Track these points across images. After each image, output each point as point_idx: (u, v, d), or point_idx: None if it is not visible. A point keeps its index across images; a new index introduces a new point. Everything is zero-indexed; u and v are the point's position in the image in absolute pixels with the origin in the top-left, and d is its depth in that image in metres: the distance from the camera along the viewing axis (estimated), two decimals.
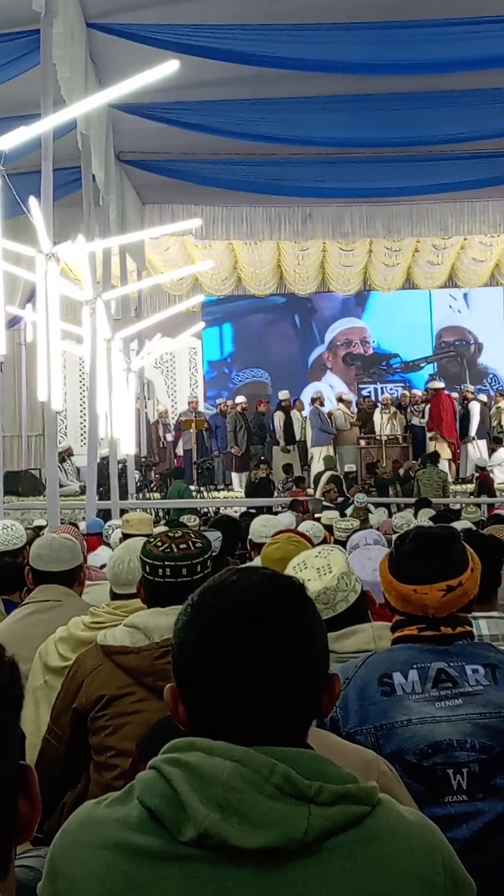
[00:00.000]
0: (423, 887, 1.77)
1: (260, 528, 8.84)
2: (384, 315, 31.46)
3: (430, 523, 8.94)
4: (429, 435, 26.80)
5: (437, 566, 3.25)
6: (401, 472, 23.91)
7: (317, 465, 26.38)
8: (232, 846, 1.70)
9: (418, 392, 28.48)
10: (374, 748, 2.93)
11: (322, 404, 27.58)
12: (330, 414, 27.24)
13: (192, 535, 3.87)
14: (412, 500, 19.72)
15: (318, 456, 26.70)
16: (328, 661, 1.93)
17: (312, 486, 24.49)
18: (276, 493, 23.02)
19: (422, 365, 31.49)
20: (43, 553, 5.40)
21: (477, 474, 24.09)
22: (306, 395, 29.23)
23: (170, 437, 28.10)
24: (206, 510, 21.07)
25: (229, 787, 1.73)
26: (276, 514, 16.71)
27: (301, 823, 1.72)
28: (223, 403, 28.36)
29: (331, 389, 30.09)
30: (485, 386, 30.70)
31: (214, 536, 7.71)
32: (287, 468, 25.38)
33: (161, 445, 27.98)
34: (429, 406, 27.27)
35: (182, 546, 3.79)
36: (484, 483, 23.16)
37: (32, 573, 5.45)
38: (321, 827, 1.73)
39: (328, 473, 23.95)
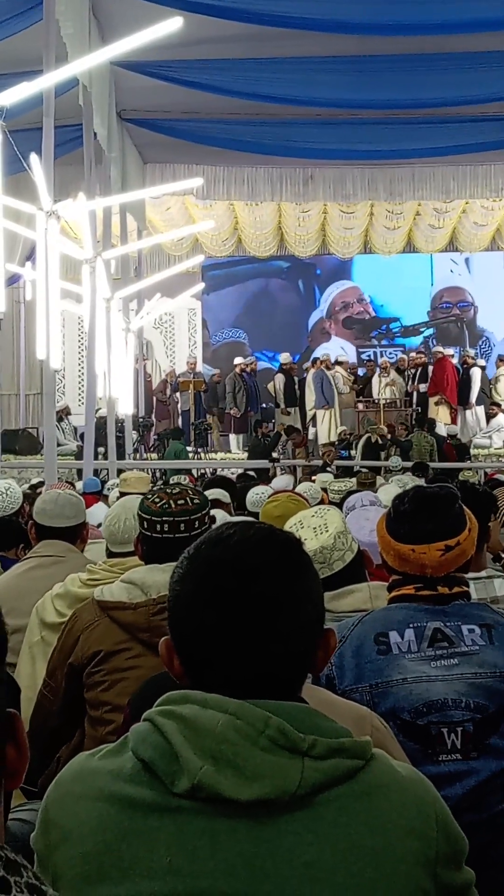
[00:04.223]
0: (415, 841, 1.78)
1: (257, 499, 8.97)
2: (387, 278, 31.35)
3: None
4: (433, 399, 26.80)
5: (435, 526, 3.25)
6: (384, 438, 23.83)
7: (321, 427, 26.45)
8: (225, 798, 1.71)
9: (416, 355, 28.46)
10: (369, 706, 2.94)
11: (328, 367, 27.59)
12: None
13: (190, 492, 3.87)
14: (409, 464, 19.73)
15: (322, 418, 26.74)
16: (324, 615, 1.94)
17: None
18: (278, 454, 22.99)
19: (422, 330, 31.45)
20: (48, 508, 5.39)
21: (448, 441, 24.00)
22: (307, 359, 29.30)
23: (175, 398, 28.09)
24: (203, 471, 21.07)
25: (223, 739, 1.73)
26: (271, 477, 16.72)
27: (294, 776, 1.72)
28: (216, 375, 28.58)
29: (343, 352, 30.01)
30: (478, 349, 30.65)
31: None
32: (290, 430, 25.39)
33: (166, 405, 27.99)
34: (431, 370, 27.29)
35: (180, 502, 3.79)
36: (442, 452, 23.04)
37: (36, 528, 5.44)
38: (315, 780, 1.73)
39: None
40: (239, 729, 1.73)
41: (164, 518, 3.76)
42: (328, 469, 18.94)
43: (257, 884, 1.69)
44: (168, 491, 3.88)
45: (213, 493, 9.16)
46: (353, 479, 13.28)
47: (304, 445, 23.74)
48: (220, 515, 9.22)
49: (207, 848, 1.71)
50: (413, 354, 28.60)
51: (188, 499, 3.81)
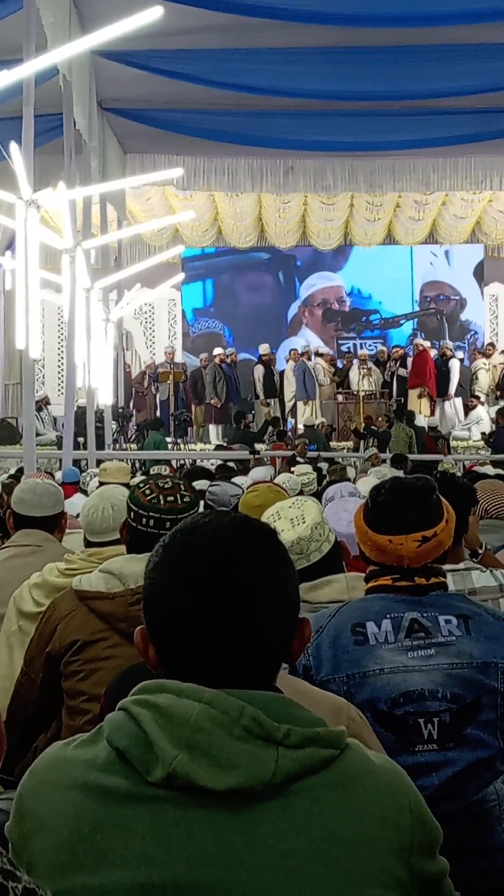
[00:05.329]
0: (390, 830, 1.78)
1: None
2: (371, 271, 31.34)
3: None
4: (415, 391, 26.86)
5: (412, 517, 3.25)
6: (362, 428, 23.85)
7: (301, 419, 26.49)
8: (200, 787, 1.71)
9: (396, 349, 28.60)
10: (346, 697, 2.95)
11: (309, 358, 27.64)
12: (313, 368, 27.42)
13: (182, 488, 3.80)
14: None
15: (303, 410, 26.77)
16: (298, 604, 1.93)
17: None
18: (264, 446, 23.01)
19: (401, 322, 31.47)
20: (26, 497, 5.37)
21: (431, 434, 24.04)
22: (284, 350, 29.30)
23: (154, 390, 28.06)
24: (182, 462, 21.06)
25: (198, 728, 1.73)
26: (250, 468, 16.72)
27: (269, 765, 1.72)
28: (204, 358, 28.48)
29: (311, 344, 30.01)
30: (464, 343, 30.71)
31: (234, 492, 7.68)
32: (275, 422, 25.44)
33: (144, 395, 27.98)
34: (411, 362, 27.36)
35: (170, 499, 3.73)
36: (424, 445, 23.09)
37: (14, 517, 5.42)
38: (289, 769, 1.73)
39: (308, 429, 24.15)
40: (214, 718, 1.73)
41: (150, 513, 3.73)
42: (299, 461, 18.96)
43: (232, 873, 1.69)
44: (160, 484, 3.81)
45: (199, 484, 9.14)
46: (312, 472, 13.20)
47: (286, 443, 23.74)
48: (262, 472, 9.25)
49: (182, 837, 1.71)
50: (394, 348, 28.73)
51: (178, 496, 3.76)
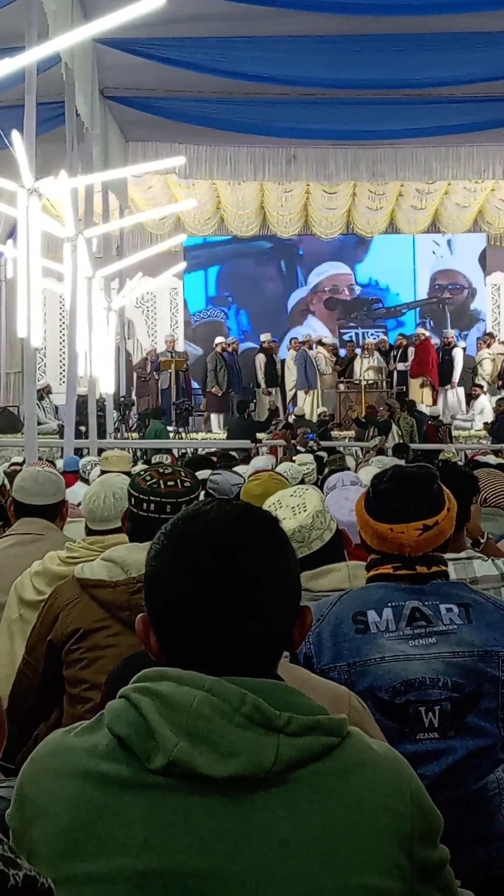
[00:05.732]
0: (390, 818, 1.78)
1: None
2: (374, 260, 31.32)
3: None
4: (417, 381, 26.87)
5: (414, 505, 3.25)
6: (363, 417, 23.87)
7: (302, 408, 26.50)
8: (200, 775, 1.70)
9: (402, 337, 28.61)
10: (347, 685, 2.95)
11: (311, 347, 27.61)
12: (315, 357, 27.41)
13: (182, 474, 3.83)
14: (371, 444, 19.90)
15: (303, 399, 26.76)
16: (300, 592, 1.93)
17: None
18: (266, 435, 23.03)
19: (403, 311, 31.43)
20: (27, 486, 5.36)
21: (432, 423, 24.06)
22: (286, 339, 29.29)
23: (156, 376, 28.05)
24: (184, 451, 21.06)
25: (198, 715, 1.73)
26: (252, 457, 16.74)
27: (270, 753, 1.72)
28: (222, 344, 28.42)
29: (314, 333, 29.98)
30: (469, 332, 30.66)
31: (235, 481, 7.66)
32: (277, 412, 25.46)
33: (146, 381, 27.97)
34: (414, 352, 27.36)
35: (170, 483, 3.76)
36: (425, 434, 23.14)
37: (15, 505, 5.41)
38: (290, 757, 1.73)
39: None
40: (215, 706, 1.73)
41: (151, 497, 3.74)
42: (299, 450, 18.97)
43: (232, 860, 1.69)
44: (160, 470, 3.85)
45: (201, 473, 9.13)
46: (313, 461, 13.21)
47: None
48: (264, 461, 9.16)
49: (182, 824, 1.71)
50: (398, 337, 28.75)
51: (179, 481, 3.78)
